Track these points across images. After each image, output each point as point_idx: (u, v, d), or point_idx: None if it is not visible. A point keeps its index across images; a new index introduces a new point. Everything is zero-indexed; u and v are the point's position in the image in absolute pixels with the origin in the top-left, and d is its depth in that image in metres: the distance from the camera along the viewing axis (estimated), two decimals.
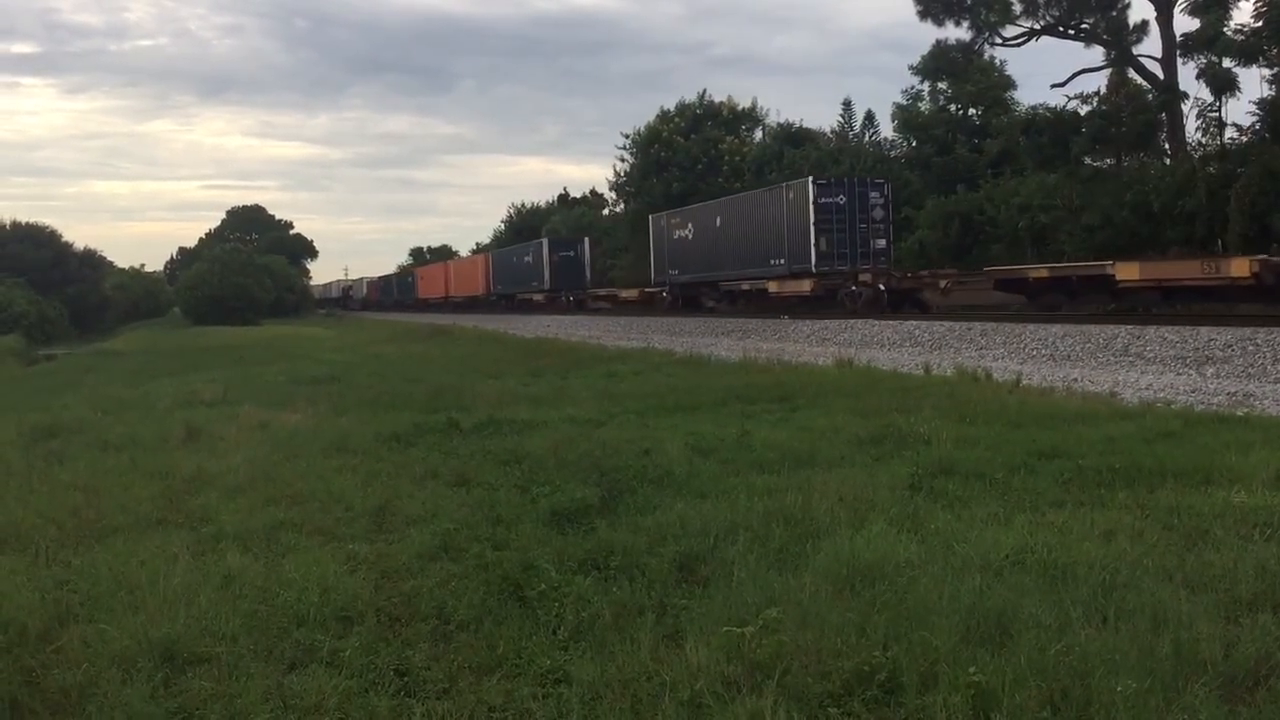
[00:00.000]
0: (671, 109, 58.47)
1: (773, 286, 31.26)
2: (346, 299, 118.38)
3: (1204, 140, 33.41)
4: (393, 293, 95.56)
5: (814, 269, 28.91)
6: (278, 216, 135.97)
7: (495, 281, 61.73)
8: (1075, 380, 14.08)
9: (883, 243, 29.66)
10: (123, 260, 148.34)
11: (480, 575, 5.67)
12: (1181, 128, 34.85)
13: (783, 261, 30.34)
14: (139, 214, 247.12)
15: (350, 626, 4.98)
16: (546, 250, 52.46)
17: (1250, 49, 30.18)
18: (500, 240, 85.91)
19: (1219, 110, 32.64)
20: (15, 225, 69.05)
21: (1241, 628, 4.47)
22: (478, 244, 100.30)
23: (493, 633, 4.85)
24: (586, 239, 54.02)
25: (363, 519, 7.13)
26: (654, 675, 4.22)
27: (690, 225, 37.51)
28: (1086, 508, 6.63)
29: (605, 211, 71.67)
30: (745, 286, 33.67)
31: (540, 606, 5.14)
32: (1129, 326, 17.55)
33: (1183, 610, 4.59)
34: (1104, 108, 35.89)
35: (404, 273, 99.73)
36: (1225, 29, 31.41)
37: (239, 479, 8.57)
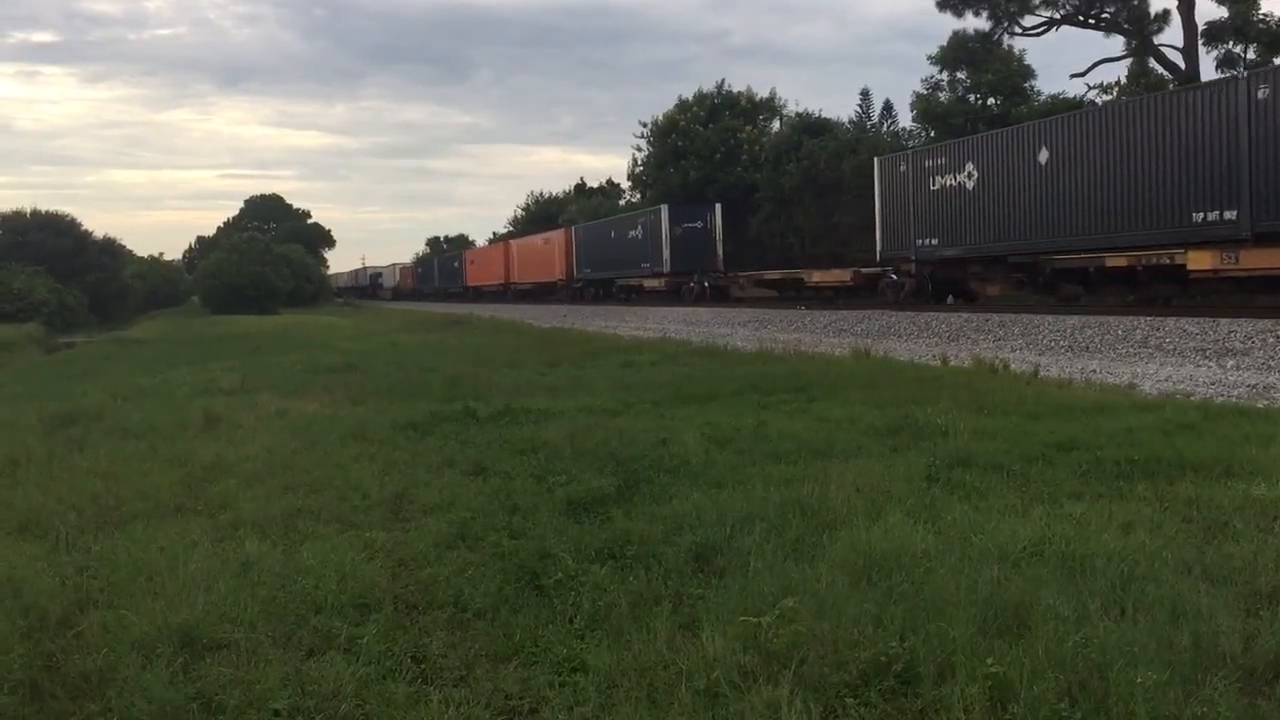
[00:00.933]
0: (689, 98, 58.37)
1: (1202, 260, 18.08)
2: (375, 287, 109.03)
3: None
4: (434, 279, 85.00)
5: None
6: (295, 206, 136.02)
7: (582, 264, 50.04)
8: (1094, 372, 14.01)
9: None
10: (141, 249, 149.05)
11: (497, 564, 5.69)
12: None
13: (1232, 215, 17.40)
14: (158, 203, 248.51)
15: (367, 614, 5.00)
16: (666, 221, 40.27)
17: (1277, 38, 29.94)
18: (519, 229, 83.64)
19: None
20: (35, 214, 69.30)
21: (1261, 621, 4.44)
22: (494, 233, 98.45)
23: (509, 621, 4.86)
24: (718, 205, 41.68)
25: (380, 507, 7.16)
26: (670, 664, 4.23)
27: (969, 168, 24.41)
28: (1105, 499, 6.60)
29: (622, 201, 71.46)
30: (1116, 262, 20.29)
31: (557, 595, 5.15)
32: (1148, 318, 17.44)
33: (1202, 603, 4.56)
34: (1124, 98, 35.64)
35: (449, 256, 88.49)
36: (1254, 17, 31.19)
37: (257, 467, 8.62)
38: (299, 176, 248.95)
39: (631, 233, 43.57)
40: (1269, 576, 4.94)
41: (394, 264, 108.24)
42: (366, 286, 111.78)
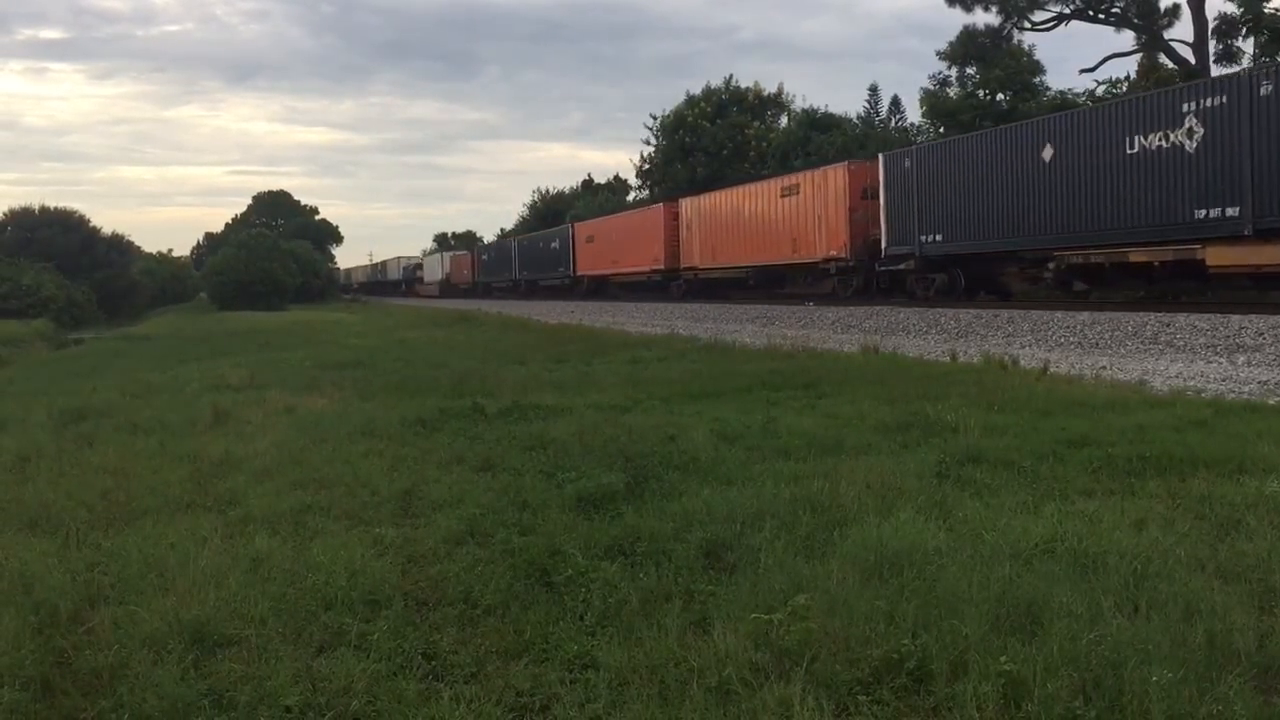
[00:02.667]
0: (697, 94, 58.37)
1: None
2: (411, 281, 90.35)
3: None
4: (510, 269, 62.13)
5: None
6: (303, 202, 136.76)
7: (910, 225, 25.96)
8: (1104, 368, 13.95)
9: None
10: (150, 245, 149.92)
11: (507, 560, 5.68)
12: None
13: None
14: (166, 199, 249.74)
15: (378, 610, 4.99)
16: None
17: None
18: (526, 226, 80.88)
19: None
20: (44, 210, 69.76)
21: (1276, 618, 4.41)
22: (502, 229, 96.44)
23: (520, 617, 4.85)
24: None
25: (389, 503, 7.15)
26: (682, 661, 4.21)
27: None
28: (1117, 496, 6.57)
29: (630, 197, 71.36)
30: None
31: (567, 592, 5.14)
32: (1158, 314, 17.39)
33: (1215, 600, 4.54)
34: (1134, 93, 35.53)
35: (540, 234, 61.24)
36: (1264, 9, 31.08)
37: (266, 463, 8.62)
38: (307, 173, 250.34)
39: (1152, 138, 19.57)
40: None
41: (441, 252, 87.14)
42: (398, 281, 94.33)
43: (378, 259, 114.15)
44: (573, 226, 52.95)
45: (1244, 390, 11.52)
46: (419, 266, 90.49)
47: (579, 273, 50.63)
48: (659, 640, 4.41)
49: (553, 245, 55.39)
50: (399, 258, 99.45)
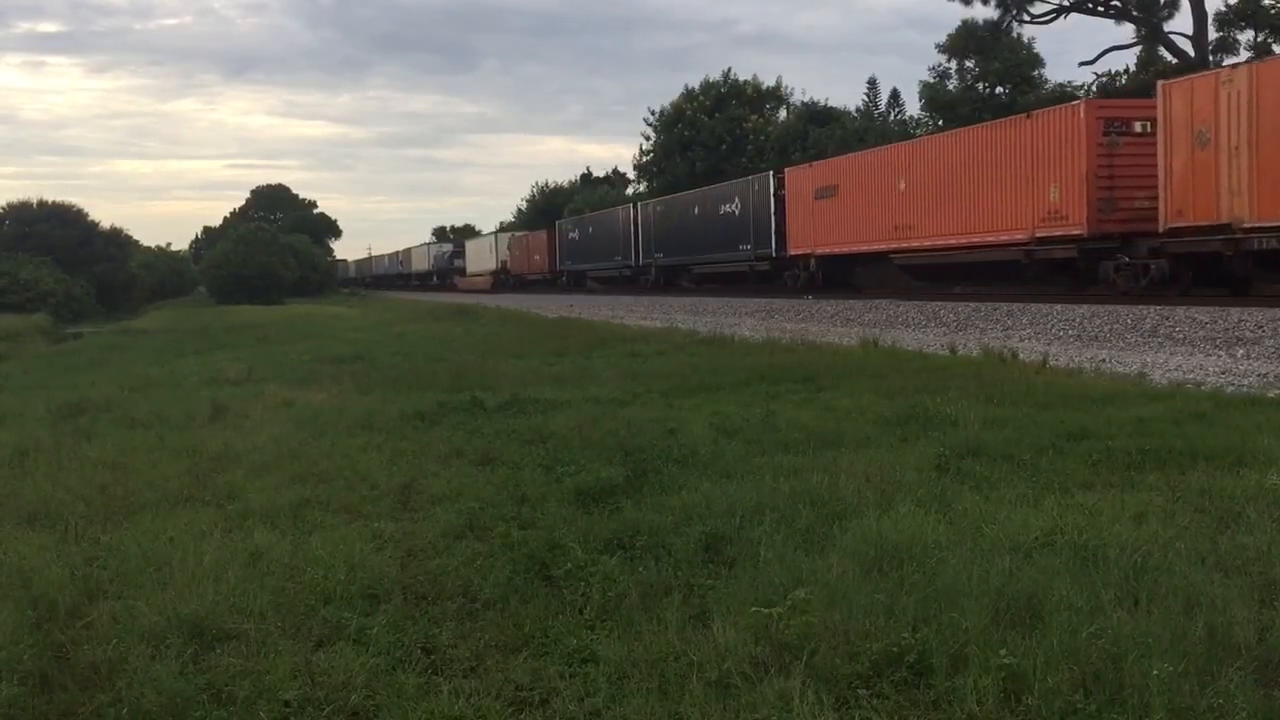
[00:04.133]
0: (696, 87, 58.30)
1: None
2: (449, 272, 74.35)
3: None
4: (629, 250, 42.86)
5: None
6: (301, 196, 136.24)
7: None
8: (1103, 361, 13.95)
9: None
10: (148, 239, 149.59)
11: (506, 554, 5.66)
12: None
13: None
14: (164, 193, 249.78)
15: (377, 604, 4.98)
16: None
17: None
18: (524, 221, 79.98)
19: None
20: (42, 204, 69.50)
21: (1276, 612, 4.40)
22: (501, 223, 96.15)
23: (519, 611, 4.84)
24: None
25: (388, 497, 7.14)
26: (681, 655, 4.20)
27: None
28: (1116, 489, 6.55)
29: (629, 190, 71.23)
30: None
31: (567, 586, 5.13)
32: (1157, 307, 17.37)
33: (1216, 593, 4.52)
34: (1133, 86, 35.53)
35: (693, 195, 39.01)
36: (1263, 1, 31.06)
37: (265, 457, 8.61)
38: (305, 166, 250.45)
39: None
40: None
41: (494, 234, 68.40)
42: (428, 273, 78.62)
43: (376, 252, 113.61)
44: (782, 173, 32.11)
45: (1243, 383, 11.51)
46: (458, 254, 73.30)
47: (792, 251, 29.81)
48: (658, 634, 4.40)
49: (725, 209, 34.20)
50: (427, 244, 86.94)
